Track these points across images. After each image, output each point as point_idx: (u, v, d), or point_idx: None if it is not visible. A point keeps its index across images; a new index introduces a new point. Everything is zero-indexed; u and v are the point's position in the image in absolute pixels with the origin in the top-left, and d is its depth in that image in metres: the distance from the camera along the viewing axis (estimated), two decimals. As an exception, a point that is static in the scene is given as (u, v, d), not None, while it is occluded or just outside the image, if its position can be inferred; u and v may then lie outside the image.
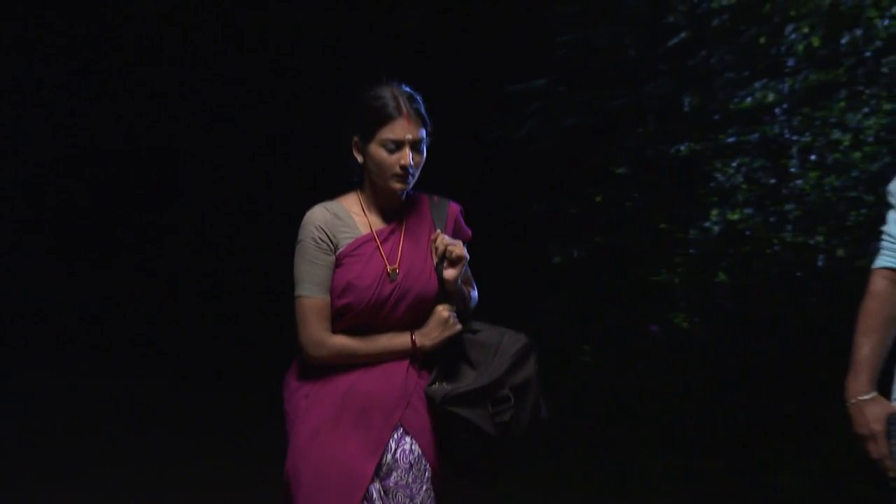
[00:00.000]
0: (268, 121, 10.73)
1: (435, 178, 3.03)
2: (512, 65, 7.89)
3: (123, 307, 10.67)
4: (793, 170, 6.86)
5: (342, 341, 2.86)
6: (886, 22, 6.55)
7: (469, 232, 3.04)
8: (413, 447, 2.86)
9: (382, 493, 2.82)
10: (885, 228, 2.99)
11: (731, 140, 7.12)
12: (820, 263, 6.53)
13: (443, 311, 2.90)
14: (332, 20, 9.78)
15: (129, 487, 5.70)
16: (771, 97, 6.99)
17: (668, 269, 7.23)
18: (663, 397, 6.38)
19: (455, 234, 2.97)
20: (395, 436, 2.86)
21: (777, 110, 6.96)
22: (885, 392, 2.96)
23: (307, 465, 2.81)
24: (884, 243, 2.98)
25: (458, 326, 2.92)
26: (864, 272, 3.03)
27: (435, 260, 2.90)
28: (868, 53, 6.55)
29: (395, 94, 2.85)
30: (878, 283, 2.96)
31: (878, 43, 6.53)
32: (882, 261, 2.97)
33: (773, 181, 6.95)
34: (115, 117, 11.41)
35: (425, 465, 2.87)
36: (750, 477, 5.61)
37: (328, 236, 2.86)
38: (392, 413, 2.84)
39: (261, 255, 10.21)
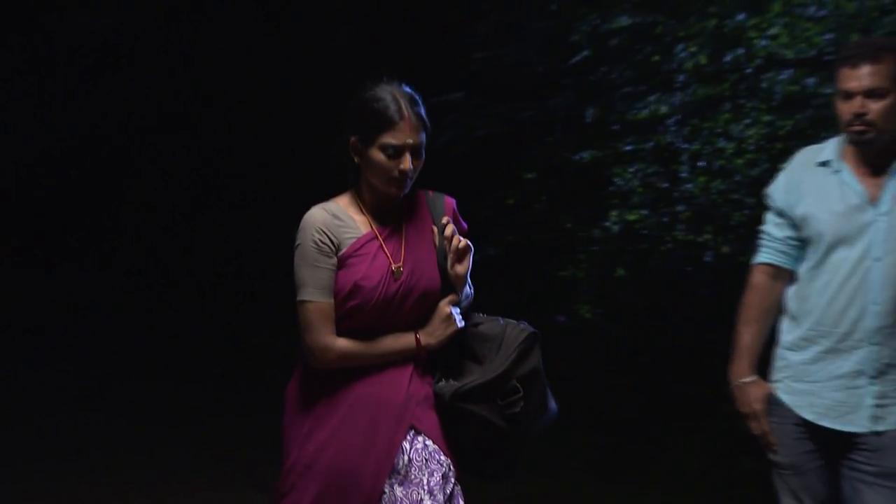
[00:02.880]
0: (218, 122, 10.52)
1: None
2: (430, 79, 7.83)
3: (77, 306, 10.37)
4: (683, 175, 6.94)
5: (347, 344, 2.59)
6: (765, 42, 6.66)
7: (465, 225, 2.82)
8: (427, 443, 2.60)
9: (399, 493, 2.56)
10: (763, 228, 3.05)
11: (628, 148, 7.19)
12: (708, 259, 6.62)
13: (445, 307, 2.67)
14: (261, 32, 9.64)
15: (94, 477, 5.52)
16: (664, 109, 7.05)
17: (574, 264, 7.27)
18: (568, 381, 6.40)
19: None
20: (409, 437, 2.60)
21: (669, 121, 7.04)
22: (765, 375, 3.02)
23: (315, 477, 2.58)
24: (763, 241, 3.04)
25: (462, 323, 2.68)
26: (746, 267, 3.08)
27: (450, 254, 2.68)
28: (749, 70, 6.66)
29: (396, 96, 2.59)
30: (757, 277, 3.02)
31: (758, 61, 6.64)
32: (761, 257, 3.03)
33: (665, 185, 7.03)
34: (64, 120, 11.06)
35: (442, 460, 2.60)
36: (647, 453, 5.68)
37: (329, 238, 2.58)
38: (402, 415, 2.59)
39: (217, 249, 9.99)
